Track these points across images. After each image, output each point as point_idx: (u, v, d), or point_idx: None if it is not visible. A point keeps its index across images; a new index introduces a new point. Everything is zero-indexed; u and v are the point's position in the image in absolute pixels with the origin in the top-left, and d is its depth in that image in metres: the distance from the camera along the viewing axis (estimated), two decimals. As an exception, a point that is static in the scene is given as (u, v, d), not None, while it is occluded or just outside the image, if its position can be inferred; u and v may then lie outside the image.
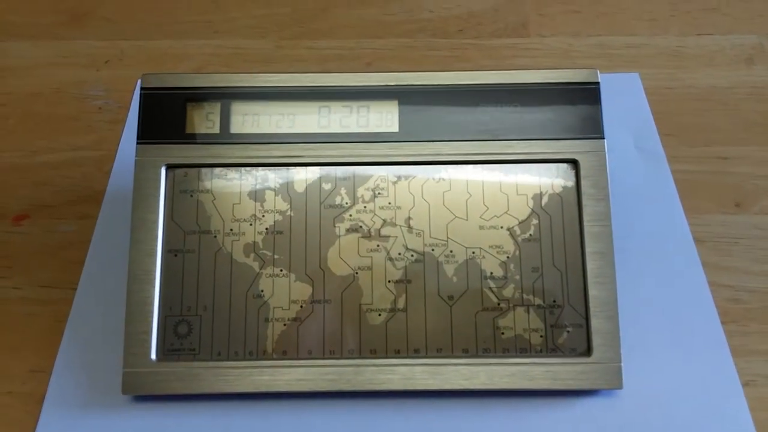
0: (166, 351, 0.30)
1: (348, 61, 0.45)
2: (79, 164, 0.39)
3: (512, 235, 0.31)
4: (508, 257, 0.31)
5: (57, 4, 0.49)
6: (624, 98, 0.41)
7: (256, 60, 0.45)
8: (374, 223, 0.31)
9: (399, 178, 0.32)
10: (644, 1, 0.48)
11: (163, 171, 0.31)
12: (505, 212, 0.31)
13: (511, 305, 0.30)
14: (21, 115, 0.42)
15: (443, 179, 0.32)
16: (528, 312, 0.30)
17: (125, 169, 0.39)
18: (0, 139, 0.41)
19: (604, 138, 0.31)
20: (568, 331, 0.30)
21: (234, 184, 0.32)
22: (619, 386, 0.29)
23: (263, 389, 0.29)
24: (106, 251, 0.35)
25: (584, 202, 0.31)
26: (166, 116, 0.32)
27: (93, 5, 0.48)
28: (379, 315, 0.30)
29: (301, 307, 0.30)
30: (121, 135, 0.40)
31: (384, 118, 0.32)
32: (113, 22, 0.48)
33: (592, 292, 0.30)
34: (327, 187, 0.31)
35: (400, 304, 0.30)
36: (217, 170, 0.32)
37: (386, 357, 0.30)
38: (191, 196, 0.31)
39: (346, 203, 0.31)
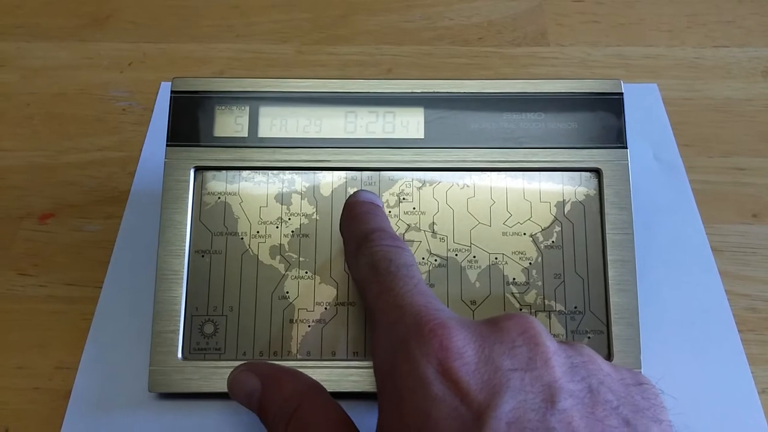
0: (192, 350, 0.30)
1: (368, 67, 0.45)
2: (104, 165, 0.40)
3: (535, 241, 0.31)
4: (530, 263, 0.31)
5: (80, 7, 0.49)
6: (643, 108, 0.42)
7: (277, 65, 0.46)
8: (398, 227, 0.32)
9: (423, 183, 0.32)
10: (662, 13, 0.48)
11: (191, 173, 0.32)
12: (528, 219, 0.32)
13: (532, 311, 0.31)
14: (46, 116, 0.43)
15: (467, 185, 0.32)
16: (549, 318, 0.31)
17: (149, 171, 0.39)
18: (26, 139, 0.41)
19: (627, 148, 0.32)
20: (589, 337, 0.30)
21: (261, 187, 0.32)
22: (639, 392, 0.30)
23: (288, 389, 0.30)
24: (130, 251, 0.36)
25: (607, 210, 0.31)
26: (195, 119, 0.32)
27: (116, 8, 0.49)
28: (403, 318, 0.31)
29: (326, 309, 0.31)
30: (145, 137, 0.41)
31: (409, 124, 0.32)
32: (136, 24, 0.48)
33: (614, 299, 0.30)
34: (352, 191, 0.32)
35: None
36: (245, 173, 0.32)
37: (409, 360, 0.30)
38: (219, 198, 0.32)
39: (371, 208, 0.32)
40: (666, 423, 0.22)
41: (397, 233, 0.31)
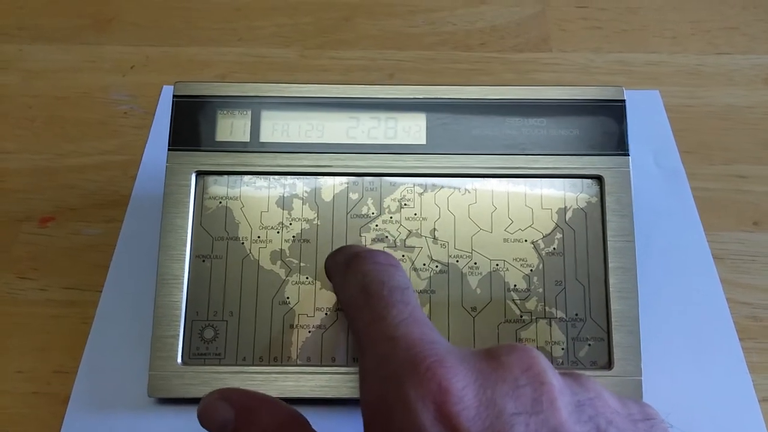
0: (192, 355, 0.30)
1: (371, 72, 0.45)
2: (105, 168, 0.40)
3: (536, 248, 0.31)
4: (531, 270, 0.31)
5: (83, 9, 0.49)
6: (644, 115, 0.42)
7: (279, 69, 0.46)
8: (400, 233, 0.32)
9: (425, 189, 0.32)
10: (664, 20, 0.48)
11: (193, 177, 0.32)
12: (530, 226, 0.32)
13: (533, 318, 0.31)
14: (47, 118, 0.43)
15: (469, 192, 0.32)
16: (550, 325, 0.31)
17: (150, 175, 0.39)
18: (27, 142, 0.41)
19: (628, 155, 0.32)
20: (589, 345, 0.30)
21: (262, 192, 0.32)
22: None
23: (288, 395, 0.30)
24: (131, 255, 0.36)
25: (608, 217, 0.31)
26: (197, 123, 0.32)
27: (118, 11, 0.49)
28: (403, 324, 0.30)
29: (326, 314, 0.31)
30: (146, 140, 0.41)
31: (411, 130, 0.32)
32: (138, 27, 0.48)
33: (615, 306, 0.30)
34: (354, 197, 0.32)
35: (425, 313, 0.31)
36: (246, 178, 0.32)
37: (409, 366, 0.30)
38: (220, 202, 0.32)
39: (373, 213, 0.32)
40: None
41: (398, 239, 0.31)
